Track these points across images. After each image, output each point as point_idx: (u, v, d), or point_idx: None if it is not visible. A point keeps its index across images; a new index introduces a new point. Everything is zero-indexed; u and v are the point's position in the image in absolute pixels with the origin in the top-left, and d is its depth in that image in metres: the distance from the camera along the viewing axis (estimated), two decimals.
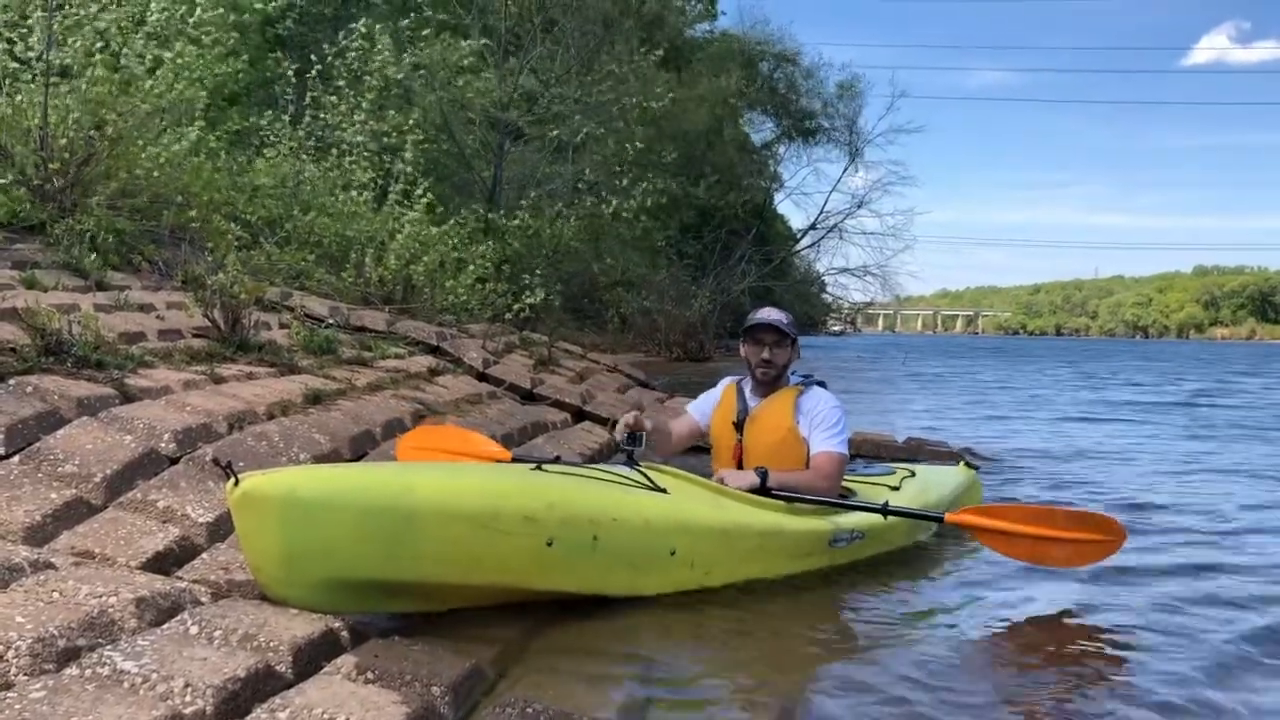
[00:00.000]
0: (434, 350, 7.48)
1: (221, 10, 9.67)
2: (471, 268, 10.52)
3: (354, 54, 11.66)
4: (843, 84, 31.35)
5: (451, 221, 10.85)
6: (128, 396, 4.07)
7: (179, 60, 8.31)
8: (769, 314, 4.19)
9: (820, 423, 4.03)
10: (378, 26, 11.76)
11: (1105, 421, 12.76)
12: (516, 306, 10.68)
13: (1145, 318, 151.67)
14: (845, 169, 31.94)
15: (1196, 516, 5.80)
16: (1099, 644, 3.35)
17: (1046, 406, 15.16)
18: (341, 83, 11.81)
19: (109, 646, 2.19)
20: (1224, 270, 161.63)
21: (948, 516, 4.00)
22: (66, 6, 7.68)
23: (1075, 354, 48.79)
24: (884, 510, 4.00)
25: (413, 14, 13.19)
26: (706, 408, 4.35)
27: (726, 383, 4.35)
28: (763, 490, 3.85)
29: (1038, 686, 2.96)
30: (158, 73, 8.06)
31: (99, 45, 7.55)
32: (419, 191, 10.23)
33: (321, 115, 11.56)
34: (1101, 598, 3.87)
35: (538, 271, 11.78)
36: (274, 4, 11.44)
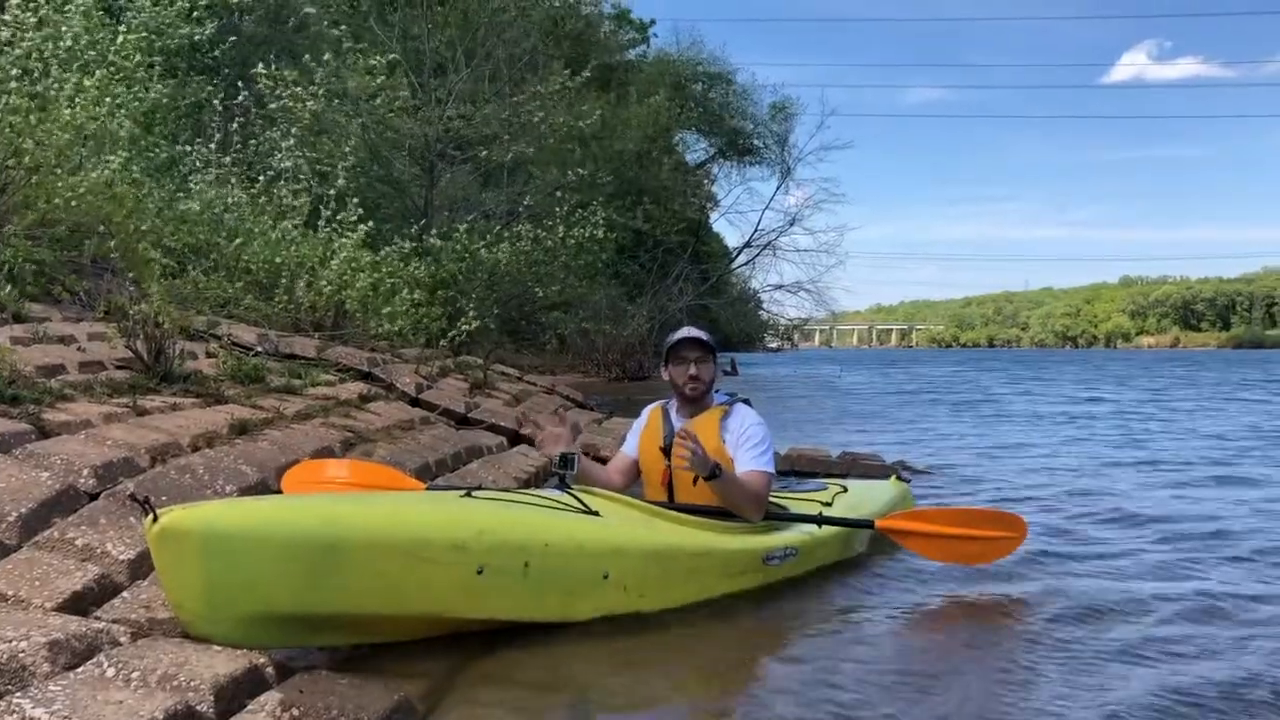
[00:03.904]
0: (366, 376, 7.38)
1: (144, 35, 9.50)
2: (405, 293, 10.40)
3: (276, 84, 11.55)
4: (776, 104, 31.69)
5: (385, 251, 10.72)
6: (44, 432, 3.96)
7: (99, 88, 8.13)
8: (689, 330, 4.21)
9: (745, 441, 4.01)
10: (295, 70, 11.65)
11: (1016, 426, 13.51)
12: (452, 333, 10.60)
13: (1075, 328, 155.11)
14: (778, 187, 32.28)
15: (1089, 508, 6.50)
16: (1025, 643, 3.48)
17: (970, 414, 15.48)
18: (274, 105, 11.67)
19: (19, 694, 2.12)
20: (1149, 281, 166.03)
21: (878, 523, 4.34)
22: None
23: (993, 364, 50.30)
24: (819, 520, 4.21)
25: (338, 30, 13.10)
26: (634, 437, 4.34)
27: (652, 407, 4.33)
28: (705, 514, 3.87)
29: (971, 686, 3.02)
30: (77, 100, 7.89)
31: (15, 73, 7.37)
32: (353, 218, 10.10)
33: (252, 141, 11.41)
34: (1023, 596, 4.12)
35: (473, 295, 11.72)
36: (199, 34, 11.27)
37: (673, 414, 4.20)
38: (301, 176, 10.75)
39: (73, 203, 7.13)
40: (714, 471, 3.77)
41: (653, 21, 31.22)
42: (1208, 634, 3.64)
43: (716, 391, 4.24)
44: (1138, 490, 7.40)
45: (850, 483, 5.38)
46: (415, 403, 7.18)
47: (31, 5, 8.46)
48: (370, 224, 10.12)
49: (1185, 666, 3.25)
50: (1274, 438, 11.94)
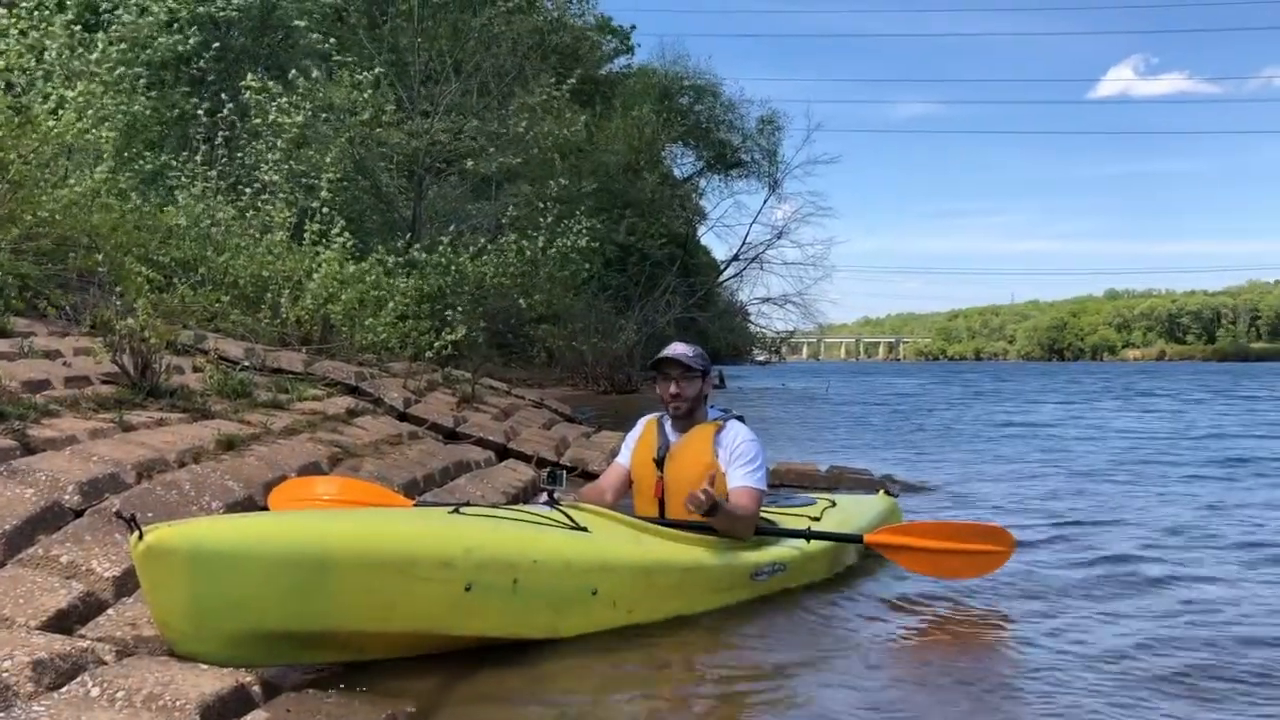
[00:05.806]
0: (353, 391, 7.36)
1: (124, 47, 9.48)
2: (391, 305, 10.34)
3: (261, 98, 11.53)
4: (764, 118, 31.83)
5: (371, 259, 10.66)
6: (29, 448, 3.93)
7: (81, 99, 8.09)
8: (673, 348, 4.21)
9: (738, 457, 4.02)
10: (280, 85, 11.61)
11: (1003, 439, 13.55)
12: (438, 344, 10.55)
13: (1061, 341, 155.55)
14: (765, 201, 32.42)
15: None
16: (1014, 658, 3.52)
17: (957, 428, 15.52)
18: (259, 120, 11.63)
19: (2, 714, 2.10)
20: (1134, 294, 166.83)
21: (866, 538, 4.32)
22: None
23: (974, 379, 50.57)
24: (807, 534, 4.19)
25: (325, 44, 13.08)
26: (628, 447, 4.33)
27: (647, 419, 4.33)
28: (694, 529, 3.86)
29: (960, 702, 3.02)
30: (60, 112, 7.85)
31: None
32: (335, 230, 10.05)
33: (238, 155, 11.36)
34: (1011, 610, 4.15)
35: (459, 308, 11.67)
36: (184, 45, 11.24)
37: (667, 427, 4.20)
38: (282, 194, 10.67)
39: (57, 216, 7.09)
40: (713, 509, 3.79)
41: (633, 27, 31.33)
42: (1203, 646, 3.66)
43: (711, 407, 4.24)
44: (1127, 501, 7.44)
45: (839, 497, 5.38)
46: (403, 417, 7.16)
47: (14, 15, 8.44)
48: (347, 234, 10.05)
49: (1185, 676, 3.27)
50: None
